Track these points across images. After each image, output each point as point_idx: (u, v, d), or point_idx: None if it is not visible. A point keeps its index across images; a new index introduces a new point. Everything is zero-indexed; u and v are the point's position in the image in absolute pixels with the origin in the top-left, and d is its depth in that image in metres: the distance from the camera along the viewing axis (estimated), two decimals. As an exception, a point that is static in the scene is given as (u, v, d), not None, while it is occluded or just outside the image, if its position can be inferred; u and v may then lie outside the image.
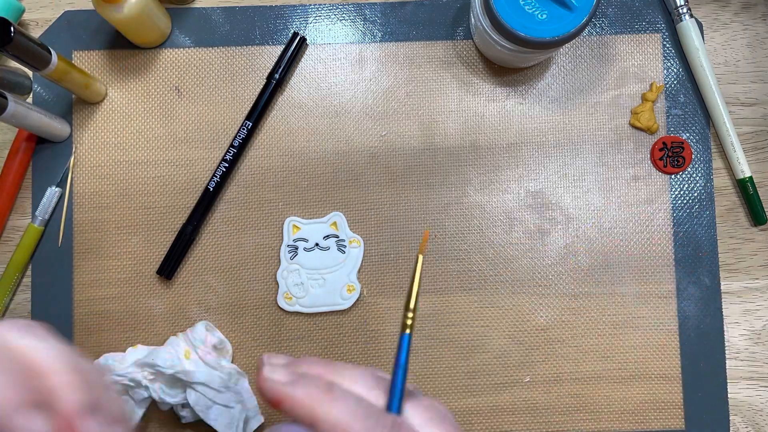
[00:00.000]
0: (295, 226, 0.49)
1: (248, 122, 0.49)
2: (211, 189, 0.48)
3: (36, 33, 0.51)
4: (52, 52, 0.42)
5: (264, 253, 0.49)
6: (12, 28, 0.38)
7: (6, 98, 0.42)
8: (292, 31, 0.50)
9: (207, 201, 0.49)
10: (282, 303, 0.48)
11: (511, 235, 0.50)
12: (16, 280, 0.49)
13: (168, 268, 0.48)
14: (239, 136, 0.49)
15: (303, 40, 0.50)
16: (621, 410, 0.49)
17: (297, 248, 0.48)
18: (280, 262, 0.49)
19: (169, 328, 0.49)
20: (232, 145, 0.49)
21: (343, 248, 0.48)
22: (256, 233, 0.49)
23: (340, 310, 0.49)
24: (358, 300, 0.49)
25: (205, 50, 0.50)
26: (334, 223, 0.49)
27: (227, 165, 0.48)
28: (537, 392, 0.49)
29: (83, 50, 0.50)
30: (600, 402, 0.49)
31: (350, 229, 0.49)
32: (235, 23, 0.50)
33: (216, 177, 0.48)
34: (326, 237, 0.49)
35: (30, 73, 0.50)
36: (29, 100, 0.50)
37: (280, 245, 0.49)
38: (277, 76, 0.49)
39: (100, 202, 0.49)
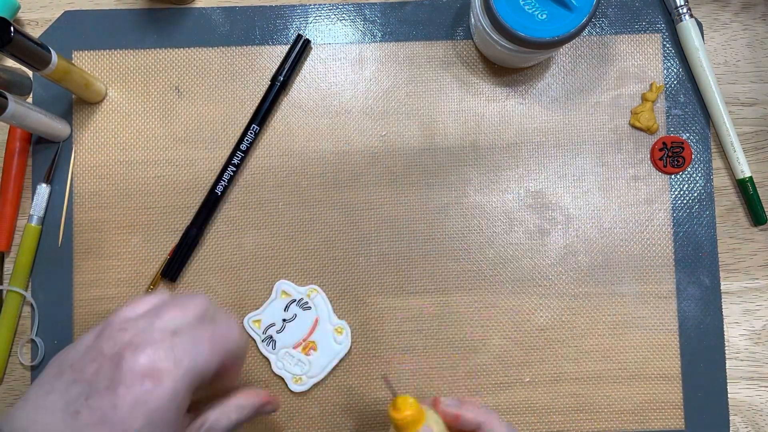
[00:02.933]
0: (254, 321, 0.48)
1: (256, 126, 0.49)
2: (219, 193, 0.48)
3: (36, 33, 0.51)
4: (52, 52, 0.42)
5: (264, 252, 0.49)
6: (12, 28, 0.38)
7: (6, 98, 0.42)
8: (296, 33, 0.50)
9: (212, 203, 0.49)
10: (295, 388, 0.48)
11: (511, 235, 0.50)
12: (26, 282, 0.49)
13: (173, 270, 0.48)
14: (247, 139, 0.49)
15: (307, 42, 0.50)
16: (621, 410, 0.49)
17: (271, 336, 0.48)
18: (267, 359, 0.48)
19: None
20: (239, 149, 0.49)
21: (306, 306, 0.48)
22: (257, 233, 0.49)
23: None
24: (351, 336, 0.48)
25: (205, 50, 0.50)
26: (284, 292, 0.48)
27: (235, 169, 0.49)
28: (537, 392, 0.49)
29: (83, 50, 0.50)
30: (600, 402, 0.49)
31: (298, 285, 0.49)
32: (235, 23, 0.50)
33: (223, 180, 0.48)
34: (286, 308, 0.48)
35: (30, 73, 0.50)
36: (29, 100, 0.50)
37: (256, 345, 0.48)
38: (281, 77, 0.49)
39: (100, 202, 0.49)
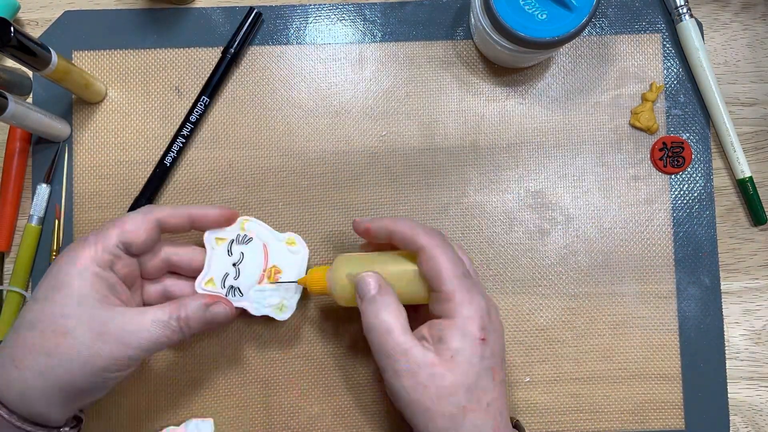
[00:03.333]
0: (207, 283, 0.43)
1: (206, 98, 0.49)
2: (168, 164, 0.49)
3: (36, 33, 0.51)
4: (52, 52, 0.42)
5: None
6: (12, 28, 0.38)
7: (6, 98, 0.42)
8: (250, 7, 0.51)
9: (160, 176, 0.49)
10: (283, 317, 0.44)
11: (511, 235, 0.50)
12: (26, 282, 0.49)
13: None
14: (197, 111, 0.49)
15: (259, 15, 0.50)
16: (621, 410, 0.49)
17: (232, 286, 0.44)
18: (244, 308, 0.44)
19: (169, 328, 0.49)
20: (189, 121, 0.49)
21: (246, 239, 0.44)
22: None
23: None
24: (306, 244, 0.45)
25: (205, 50, 0.50)
26: (217, 239, 0.44)
27: (184, 140, 0.49)
28: (537, 392, 0.49)
29: (83, 50, 0.50)
30: (600, 402, 0.49)
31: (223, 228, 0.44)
32: (235, 23, 0.50)
33: (172, 152, 0.49)
34: (229, 252, 0.44)
35: (30, 73, 0.50)
36: (29, 100, 0.50)
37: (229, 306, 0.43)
38: (232, 50, 0.49)
39: (100, 202, 0.49)
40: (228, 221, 0.43)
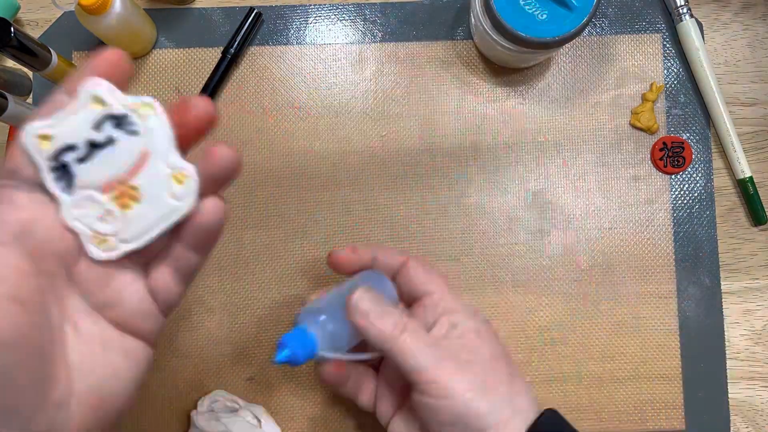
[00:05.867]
0: (41, 136, 0.26)
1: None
2: None
3: (36, 33, 0.51)
4: (52, 52, 0.42)
5: (265, 252, 0.49)
6: (12, 28, 0.38)
7: (6, 98, 0.42)
8: (250, 7, 0.50)
9: None
10: (96, 253, 0.27)
11: (511, 235, 0.50)
12: None
13: None
14: None
15: (259, 15, 0.50)
16: (621, 410, 0.49)
17: (65, 165, 0.27)
18: (56, 200, 0.27)
19: (168, 326, 0.49)
20: None
21: (132, 128, 0.27)
22: (257, 233, 0.49)
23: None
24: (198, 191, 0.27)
25: (206, 50, 0.50)
26: (97, 99, 0.26)
27: None
28: (537, 392, 0.49)
29: (83, 50, 0.50)
30: (600, 402, 0.49)
31: (136, 95, 0.27)
32: (235, 23, 0.50)
33: None
34: (97, 126, 0.27)
35: (30, 73, 0.50)
36: (29, 100, 0.50)
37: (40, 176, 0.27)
38: (232, 50, 0.49)
39: (100, 202, 0.49)
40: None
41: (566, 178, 0.50)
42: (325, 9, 0.51)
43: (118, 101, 0.27)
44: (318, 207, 0.50)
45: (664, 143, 0.50)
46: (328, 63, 0.51)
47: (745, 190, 0.50)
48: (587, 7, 0.42)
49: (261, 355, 0.49)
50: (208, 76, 0.50)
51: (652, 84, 0.51)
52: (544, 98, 0.51)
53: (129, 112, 0.27)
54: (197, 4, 0.51)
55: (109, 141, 0.27)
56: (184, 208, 0.27)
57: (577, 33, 0.42)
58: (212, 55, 0.50)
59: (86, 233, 0.28)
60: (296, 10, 0.51)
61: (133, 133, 0.27)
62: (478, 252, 0.50)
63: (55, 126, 0.27)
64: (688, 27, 0.50)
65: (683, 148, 0.50)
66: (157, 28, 0.50)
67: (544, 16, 0.42)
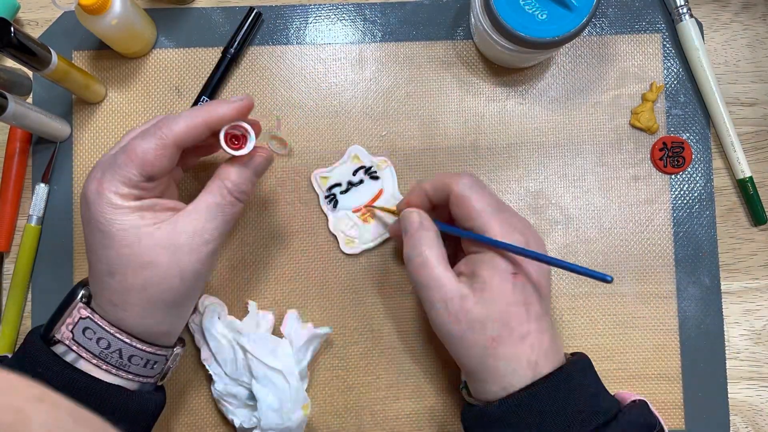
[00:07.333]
0: (322, 177, 0.49)
1: (206, 98, 0.49)
2: None
3: (36, 33, 0.51)
4: (52, 52, 0.42)
5: (264, 252, 0.49)
6: (12, 28, 0.38)
7: (6, 98, 0.42)
8: (250, 6, 0.50)
9: None
10: (347, 249, 0.49)
11: (511, 235, 0.50)
12: (26, 282, 0.49)
13: None
14: None
15: (259, 15, 0.50)
16: (621, 410, 0.49)
17: (334, 195, 0.49)
18: (326, 216, 0.49)
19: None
20: None
21: (374, 175, 0.49)
22: (257, 233, 0.49)
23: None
24: None
25: (206, 50, 0.50)
26: (356, 156, 0.49)
27: None
28: (537, 392, 0.49)
29: (83, 50, 0.50)
30: (600, 402, 0.49)
31: (372, 154, 0.49)
32: (235, 23, 0.50)
33: None
34: (355, 172, 0.49)
35: (30, 73, 0.50)
36: (29, 100, 0.50)
37: (318, 200, 0.49)
38: (232, 50, 0.49)
39: (100, 202, 0.49)
40: (245, 112, 0.39)
41: (566, 178, 0.50)
42: (325, 9, 0.51)
43: (368, 158, 0.49)
44: (318, 206, 0.50)
45: (663, 143, 0.50)
46: (328, 63, 0.51)
47: (745, 190, 0.50)
48: (587, 7, 0.42)
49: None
50: (208, 75, 0.50)
51: (652, 84, 0.51)
52: (544, 98, 0.51)
53: (374, 165, 0.49)
54: (197, 4, 0.51)
55: (360, 182, 0.49)
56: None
57: (577, 33, 0.42)
58: (212, 55, 0.50)
59: (341, 237, 0.49)
60: (296, 9, 0.51)
61: (375, 178, 0.49)
62: (478, 252, 0.50)
63: (330, 172, 0.49)
64: (688, 27, 0.50)
65: (683, 148, 0.50)
66: (157, 28, 0.50)
67: (544, 16, 0.42)
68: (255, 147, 0.39)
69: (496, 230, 0.38)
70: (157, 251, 0.36)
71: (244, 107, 0.39)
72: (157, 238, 0.36)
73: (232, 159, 0.39)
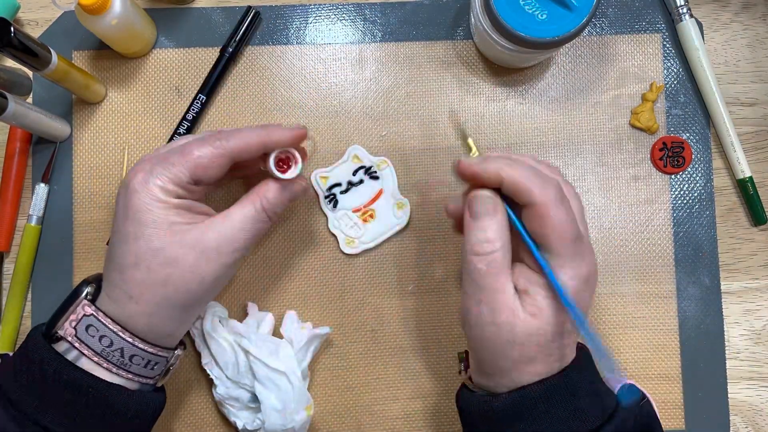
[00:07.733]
0: (322, 177, 0.49)
1: (203, 96, 0.49)
2: None
3: (36, 33, 0.51)
4: (52, 52, 0.42)
5: (263, 252, 0.49)
6: (12, 28, 0.38)
7: (6, 98, 0.42)
8: (248, 5, 0.50)
9: None
10: (347, 249, 0.49)
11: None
12: (26, 282, 0.49)
13: None
14: (193, 109, 0.49)
15: (257, 14, 0.50)
16: (621, 410, 0.49)
17: (334, 195, 0.49)
18: (326, 216, 0.49)
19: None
20: (186, 119, 0.49)
21: (374, 175, 0.49)
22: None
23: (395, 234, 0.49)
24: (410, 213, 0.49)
25: (206, 50, 0.50)
26: (356, 156, 0.49)
27: None
28: (537, 392, 0.49)
29: (83, 50, 0.50)
30: (600, 402, 0.49)
31: (372, 154, 0.49)
32: (235, 23, 0.50)
33: None
34: (354, 172, 0.49)
35: (30, 73, 0.50)
36: (29, 100, 0.50)
37: (318, 200, 0.49)
38: (230, 49, 0.49)
39: (100, 202, 0.49)
40: (298, 141, 0.41)
41: (566, 177, 0.50)
42: (325, 9, 0.51)
43: (368, 158, 0.49)
44: (318, 207, 0.50)
45: (663, 143, 0.50)
46: (328, 63, 0.51)
47: (745, 190, 0.50)
48: (587, 7, 0.42)
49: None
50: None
51: (651, 84, 0.51)
52: (544, 98, 0.51)
53: (374, 165, 0.49)
54: (197, 4, 0.51)
55: (360, 182, 0.49)
56: (403, 224, 0.49)
57: (577, 33, 0.42)
58: (212, 55, 0.50)
59: (341, 237, 0.49)
60: (296, 9, 0.51)
61: (375, 178, 0.49)
62: (478, 252, 0.50)
63: (330, 171, 0.49)
64: (688, 27, 0.50)
65: (683, 148, 0.50)
66: (157, 28, 0.50)
67: (544, 16, 0.42)
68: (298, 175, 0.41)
69: (563, 263, 0.35)
70: (185, 250, 0.37)
71: (299, 136, 0.41)
72: (188, 238, 0.37)
73: (274, 179, 0.41)
